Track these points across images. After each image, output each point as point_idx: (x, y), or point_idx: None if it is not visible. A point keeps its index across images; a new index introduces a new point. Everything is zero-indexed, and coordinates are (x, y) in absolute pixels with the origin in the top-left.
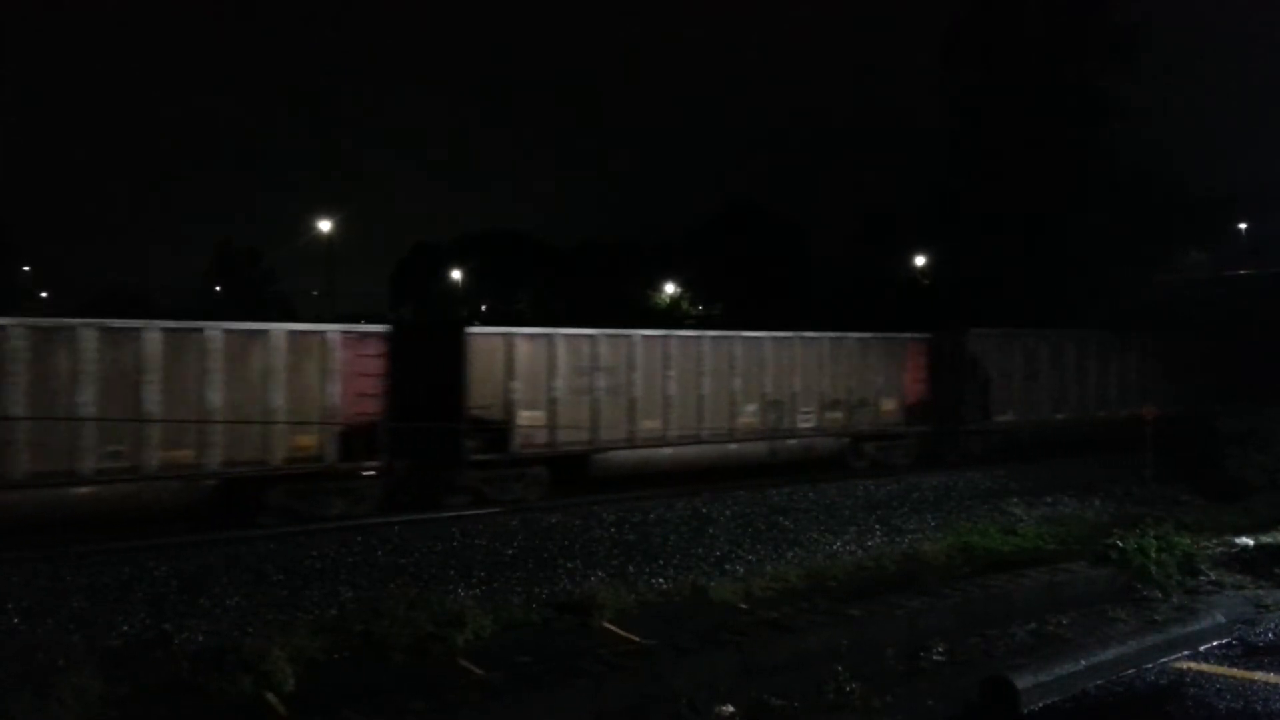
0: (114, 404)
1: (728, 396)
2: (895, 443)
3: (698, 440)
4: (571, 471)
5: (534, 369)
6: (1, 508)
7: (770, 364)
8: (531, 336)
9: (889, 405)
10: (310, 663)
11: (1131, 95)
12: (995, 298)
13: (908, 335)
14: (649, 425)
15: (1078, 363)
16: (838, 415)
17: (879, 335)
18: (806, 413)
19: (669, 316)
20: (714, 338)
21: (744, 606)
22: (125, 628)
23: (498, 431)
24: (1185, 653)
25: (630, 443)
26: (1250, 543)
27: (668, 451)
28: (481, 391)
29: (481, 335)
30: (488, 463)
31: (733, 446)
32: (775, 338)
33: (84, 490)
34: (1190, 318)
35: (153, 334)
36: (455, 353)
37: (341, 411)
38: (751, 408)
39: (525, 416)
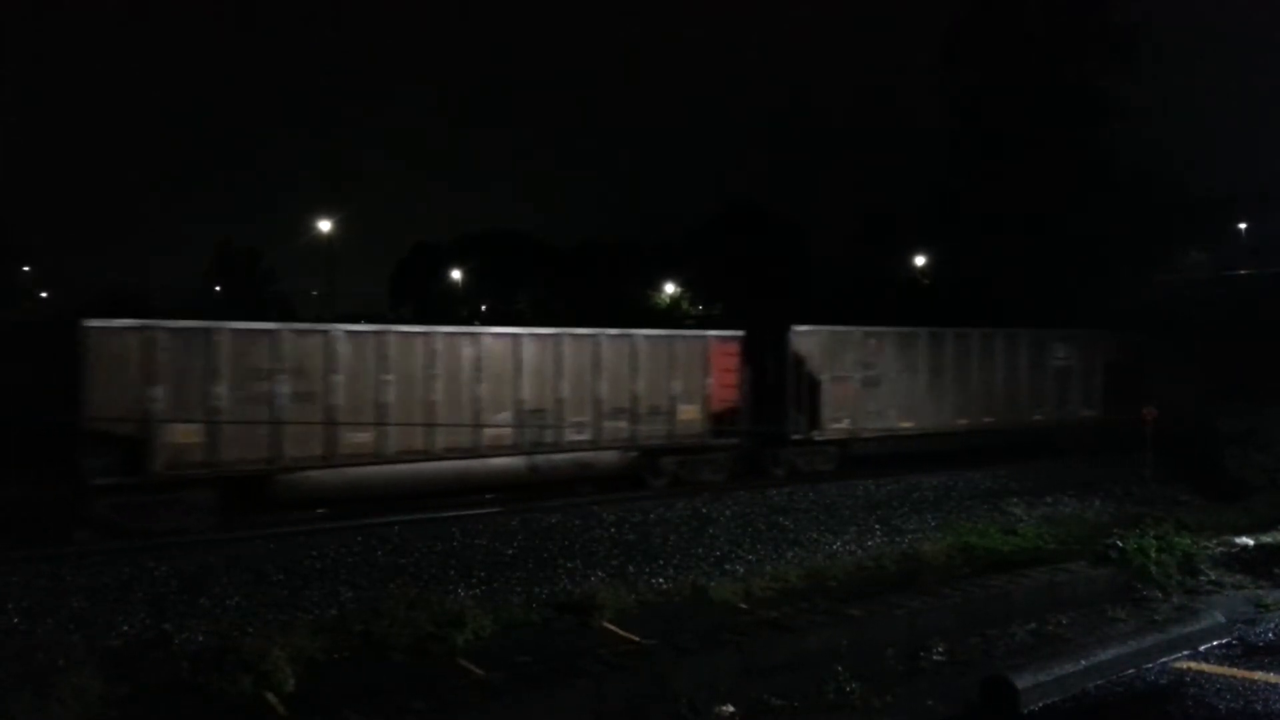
0: None
1: (470, 404)
2: (701, 456)
3: (428, 456)
4: (250, 495)
5: (185, 372)
6: None
7: (529, 366)
8: (180, 333)
9: (690, 414)
10: (310, 663)
11: (1131, 95)
12: (995, 298)
13: (713, 334)
14: (357, 440)
15: (935, 365)
16: (621, 425)
17: (675, 334)
18: (579, 423)
19: (669, 317)
20: (449, 334)
21: (744, 606)
22: (125, 628)
23: (134, 449)
24: (1185, 653)
25: (329, 460)
26: (1250, 543)
27: (384, 470)
28: (111, 400)
29: (108, 331)
30: (121, 487)
31: (477, 463)
32: (535, 335)
33: None
34: (1190, 317)
35: None
36: (74, 353)
37: None
38: (503, 417)
39: (173, 430)
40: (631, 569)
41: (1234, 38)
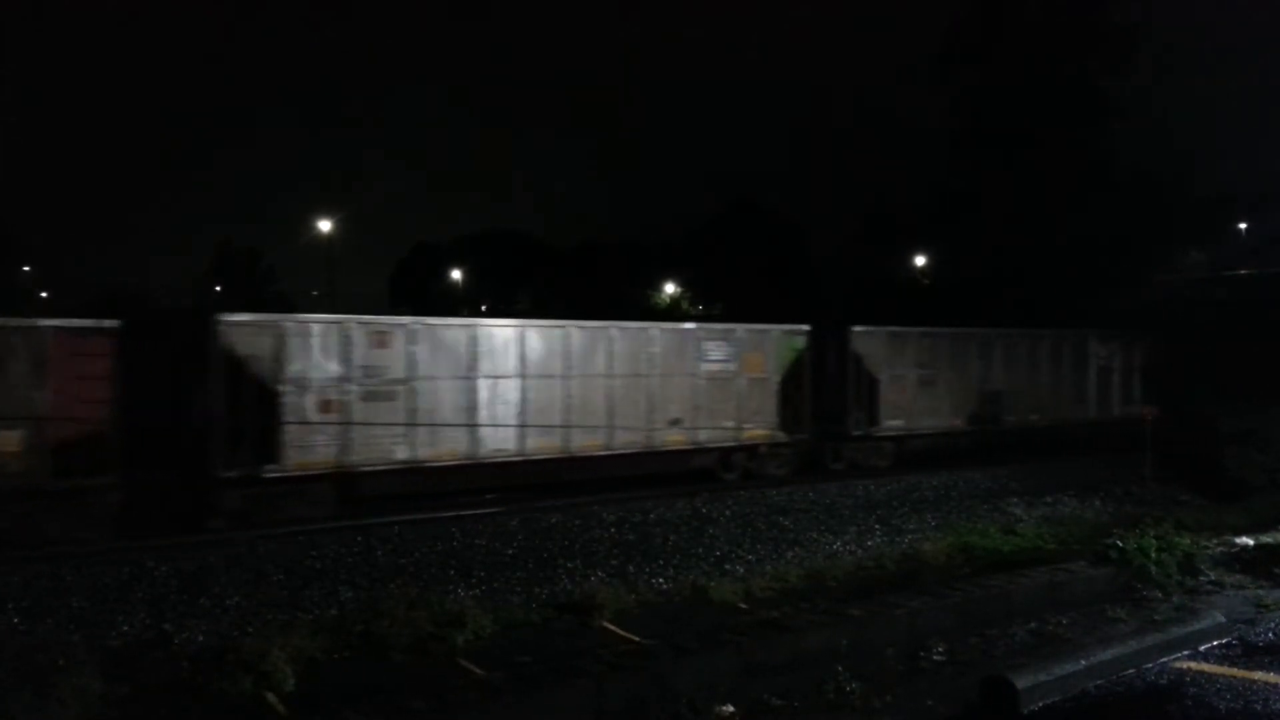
0: None
1: None
2: (37, 504)
3: None
4: None
5: None
6: None
7: None
8: None
9: (8, 446)
10: (310, 663)
11: (1132, 95)
12: (995, 298)
13: (52, 323)
14: None
15: (478, 369)
16: None
17: None
18: None
19: (669, 316)
20: None
21: (744, 606)
22: (125, 628)
23: None
24: (1185, 653)
25: None
26: (1250, 543)
27: None
28: None
29: None
30: None
31: None
32: None
33: None
34: (1189, 317)
35: None
36: None
37: None
38: None
39: None
40: (631, 569)
41: (1234, 38)
